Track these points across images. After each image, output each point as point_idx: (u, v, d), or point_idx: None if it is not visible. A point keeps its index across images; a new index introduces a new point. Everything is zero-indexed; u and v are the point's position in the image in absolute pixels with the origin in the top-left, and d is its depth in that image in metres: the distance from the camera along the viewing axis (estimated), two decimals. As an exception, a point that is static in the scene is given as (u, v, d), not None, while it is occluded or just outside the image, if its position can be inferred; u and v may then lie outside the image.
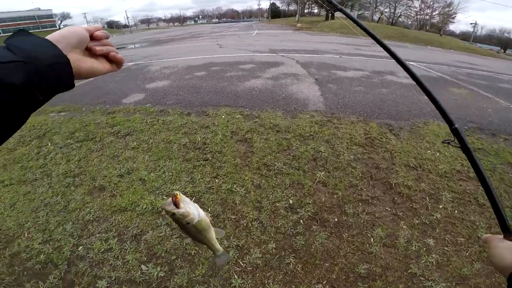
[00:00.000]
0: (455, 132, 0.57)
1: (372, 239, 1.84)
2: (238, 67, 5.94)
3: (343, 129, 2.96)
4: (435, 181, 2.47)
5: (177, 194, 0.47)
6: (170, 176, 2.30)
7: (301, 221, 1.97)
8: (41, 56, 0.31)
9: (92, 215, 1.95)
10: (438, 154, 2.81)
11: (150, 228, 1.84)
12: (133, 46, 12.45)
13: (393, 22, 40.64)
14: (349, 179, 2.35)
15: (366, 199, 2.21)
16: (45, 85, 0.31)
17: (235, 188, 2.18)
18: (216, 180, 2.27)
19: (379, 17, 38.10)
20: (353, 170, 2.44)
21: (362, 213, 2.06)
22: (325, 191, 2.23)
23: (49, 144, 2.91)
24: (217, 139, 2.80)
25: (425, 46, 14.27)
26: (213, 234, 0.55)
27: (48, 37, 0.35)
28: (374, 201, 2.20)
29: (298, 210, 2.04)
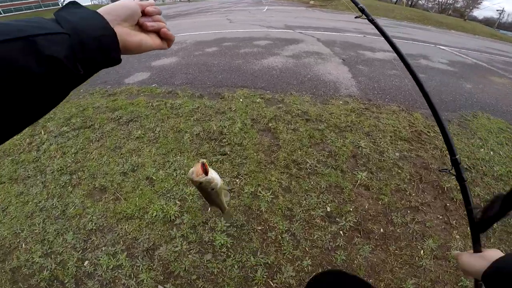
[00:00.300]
0: (455, 162, 0.60)
1: (422, 251, 1.60)
2: (252, 43, 5.37)
3: (384, 119, 2.53)
4: (490, 185, 2.14)
5: (205, 162, 0.51)
6: (182, 174, 1.95)
7: (341, 232, 1.66)
8: (87, 28, 0.31)
9: (95, 223, 1.64)
10: (492, 153, 2.42)
11: (163, 241, 1.52)
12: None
13: (412, 4, 38.26)
14: (396, 181, 1.98)
15: (416, 205, 1.87)
16: (88, 57, 0.30)
17: (260, 192, 1.83)
18: (237, 181, 1.92)
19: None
20: (399, 171, 2.05)
21: (411, 222, 1.76)
22: (368, 196, 1.88)
23: (42, 133, 2.57)
24: (235, 128, 2.41)
25: (448, 30, 13.09)
26: (223, 195, 0.61)
27: (99, 9, 0.35)
28: (424, 208, 1.88)
29: (337, 219, 1.71)
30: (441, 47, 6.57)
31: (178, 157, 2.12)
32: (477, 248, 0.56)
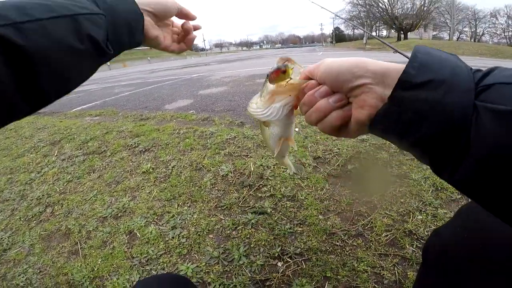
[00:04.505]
0: None
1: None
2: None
3: None
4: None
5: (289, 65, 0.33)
6: (182, 240, 1.10)
7: None
8: (121, 11, 0.33)
9: (26, 279, 1.05)
10: None
11: None
12: (205, 65, 12.97)
13: (476, 41, 35.09)
14: None
15: None
16: (117, 39, 0.33)
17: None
18: (279, 265, 0.94)
19: (458, 37, 33.61)
20: None
21: None
22: None
23: (55, 154, 2.20)
24: (286, 170, 1.51)
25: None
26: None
27: None
28: None
29: None
30: None
31: (186, 207, 1.30)
32: None
